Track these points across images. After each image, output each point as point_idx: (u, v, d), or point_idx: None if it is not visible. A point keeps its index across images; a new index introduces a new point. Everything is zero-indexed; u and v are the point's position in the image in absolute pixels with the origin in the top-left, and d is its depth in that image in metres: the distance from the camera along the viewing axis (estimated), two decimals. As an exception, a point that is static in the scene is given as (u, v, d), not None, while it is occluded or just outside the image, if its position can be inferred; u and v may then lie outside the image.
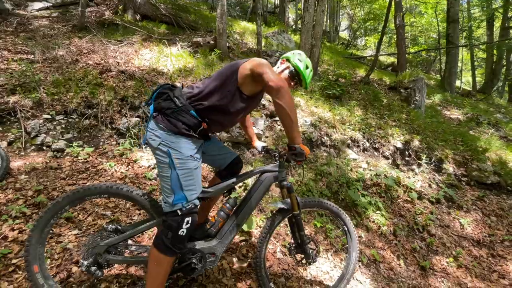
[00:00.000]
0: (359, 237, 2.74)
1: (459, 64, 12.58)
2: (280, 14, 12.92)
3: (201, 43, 5.25)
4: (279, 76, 1.30)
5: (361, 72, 7.32)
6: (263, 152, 1.88)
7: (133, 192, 1.46)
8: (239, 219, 1.58)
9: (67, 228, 1.94)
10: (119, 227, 1.48)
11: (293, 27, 12.37)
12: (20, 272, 1.60)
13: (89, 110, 3.01)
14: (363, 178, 3.28)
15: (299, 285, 2.01)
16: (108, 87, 3.31)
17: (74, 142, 2.69)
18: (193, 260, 1.46)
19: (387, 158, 3.87)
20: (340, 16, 17.52)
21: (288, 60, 1.57)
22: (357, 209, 2.92)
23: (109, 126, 2.99)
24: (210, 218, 1.74)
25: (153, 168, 2.62)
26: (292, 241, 1.78)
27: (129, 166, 2.59)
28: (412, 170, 3.74)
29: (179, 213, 1.30)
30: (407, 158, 3.89)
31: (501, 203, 3.64)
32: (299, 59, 1.56)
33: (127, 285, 1.67)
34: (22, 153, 2.56)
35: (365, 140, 3.88)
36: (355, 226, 2.79)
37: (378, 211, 2.96)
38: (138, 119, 3.12)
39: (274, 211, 1.76)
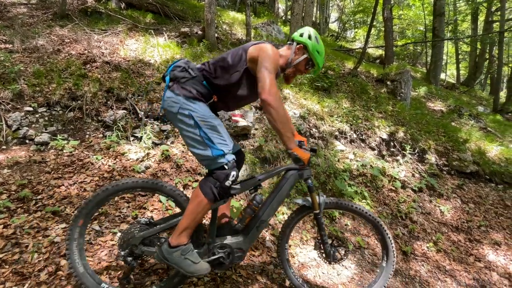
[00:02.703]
0: (345, 225, 2.84)
1: (444, 57, 12.88)
2: (270, 4, 12.75)
3: (189, 34, 5.15)
4: (270, 83, 1.34)
5: (349, 65, 7.39)
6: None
7: (166, 186, 1.57)
8: (265, 215, 1.61)
9: (54, 222, 1.92)
10: (152, 220, 1.57)
11: (283, 18, 12.26)
12: (7, 267, 1.58)
13: (73, 102, 2.93)
14: (349, 169, 3.38)
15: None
16: (93, 78, 3.22)
17: (58, 135, 2.62)
18: (222, 255, 1.52)
19: (373, 149, 3.98)
20: (330, 8, 17.47)
21: (306, 48, 1.54)
22: (344, 199, 3.01)
23: (94, 118, 2.92)
24: (238, 214, 1.75)
25: (141, 161, 2.60)
26: (317, 239, 1.82)
27: (117, 159, 2.56)
28: (397, 160, 3.87)
29: (226, 167, 1.39)
30: (392, 149, 4.01)
31: (479, 191, 3.83)
32: (318, 50, 1.55)
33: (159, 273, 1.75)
34: (4, 147, 2.48)
35: (352, 132, 3.97)
36: (340, 215, 2.88)
37: (364, 200, 3.07)
38: (125, 111, 3.06)
39: (295, 208, 1.80)
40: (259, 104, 1.31)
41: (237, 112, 3.23)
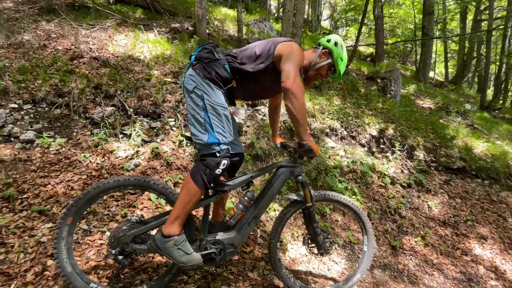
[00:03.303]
0: (335, 221, 2.88)
1: (433, 56, 13.10)
2: (262, 1, 12.69)
3: (180, 29, 5.08)
4: (294, 76, 1.40)
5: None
6: (280, 148, 1.97)
7: (158, 184, 1.58)
8: (256, 212, 1.65)
9: (40, 222, 1.87)
10: (143, 219, 1.57)
11: (275, 15, 12.22)
12: (-10, 267, 1.54)
13: (60, 99, 2.86)
14: (340, 165, 3.41)
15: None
16: (80, 75, 3.14)
17: (44, 133, 2.56)
18: (214, 251, 1.53)
19: (363, 146, 4.03)
20: (322, 5, 17.51)
21: (330, 53, 1.62)
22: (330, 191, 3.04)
23: (82, 115, 2.86)
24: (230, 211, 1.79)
25: (130, 159, 2.56)
26: (306, 231, 1.88)
27: (105, 157, 2.52)
28: (386, 157, 3.93)
29: (217, 155, 1.41)
30: (382, 146, 4.07)
31: (466, 186, 3.93)
32: (341, 57, 1.62)
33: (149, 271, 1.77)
34: (-13, 145, 2.40)
35: (343, 129, 4.00)
36: (331, 211, 2.92)
37: (354, 196, 3.11)
38: (114, 108, 3.01)
39: (288, 203, 1.85)
40: (282, 95, 1.37)
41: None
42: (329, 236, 1.91)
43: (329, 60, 1.62)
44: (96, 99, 3.02)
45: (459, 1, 12.38)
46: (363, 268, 1.96)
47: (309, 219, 1.80)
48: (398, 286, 2.37)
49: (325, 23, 18.73)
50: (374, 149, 4.02)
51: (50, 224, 1.87)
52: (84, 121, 2.83)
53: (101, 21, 4.79)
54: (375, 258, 2.63)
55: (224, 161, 1.41)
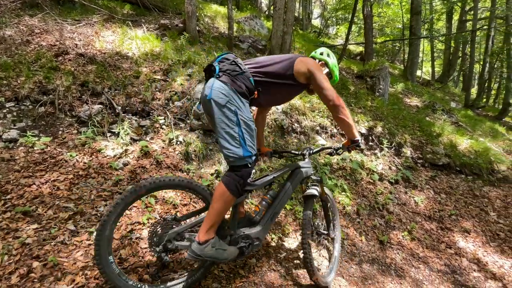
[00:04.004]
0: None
1: (420, 55, 13.40)
2: (253, -2, 12.62)
3: (169, 26, 5.00)
4: (334, 92, 1.62)
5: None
6: (275, 156, 2.16)
7: (192, 183, 1.67)
8: (277, 208, 1.84)
9: (25, 223, 1.82)
10: (177, 216, 1.66)
11: (266, 13, 12.19)
12: (-28, 271, 1.49)
13: (44, 97, 2.78)
14: (330, 163, 3.46)
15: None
16: (66, 72, 3.06)
17: (28, 132, 2.48)
18: (244, 245, 1.68)
19: (353, 143, 4.10)
20: (313, 4, 17.58)
21: (326, 64, 1.86)
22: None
23: (68, 113, 2.79)
24: (254, 207, 1.96)
25: (119, 158, 2.52)
26: (325, 223, 2.18)
27: (93, 156, 2.47)
28: (375, 154, 4.01)
29: (249, 165, 1.52)
30: (370, 143, 4.14)
31: (450, 182, 4.06)
32: (333, 64, 1.87)
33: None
34: (-33, 144, 2.31)
35: (332, 127, 4.05)
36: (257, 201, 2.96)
37: (343, 193, 3.16)
38: (101, 106, 2.95)
39: (307, 197, 2.02)
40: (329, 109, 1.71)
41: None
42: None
43: (327, 70, 1.85)
44: (83, 96, 2.95)
45: (445, 2, 12.68)
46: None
47: (324, 210, 2.10)
48: (386, 280, 2.44)
49: (316, 22, 18.83)
50: (363, 147, 4.09)
51: (36, 225, 1.82)
52: (70, 120, 2.76)
53: (87, 16, 4.66)
54: (364, 253, 2.69)
55: (253, 170, 1.59)
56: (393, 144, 4.17)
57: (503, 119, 9.58)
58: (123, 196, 1.47)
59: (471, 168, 4.25)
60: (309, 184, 2.03)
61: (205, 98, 1.51)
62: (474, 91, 12.43)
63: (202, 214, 1.71)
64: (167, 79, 3.56)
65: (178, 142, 2.86)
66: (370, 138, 4.21)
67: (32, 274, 1.56)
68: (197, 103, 1.70)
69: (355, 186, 3.40)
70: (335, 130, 4.07)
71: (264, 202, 1.83)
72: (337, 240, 2.30)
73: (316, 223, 2.15)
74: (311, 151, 2.05)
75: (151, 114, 3.07)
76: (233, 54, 1.66)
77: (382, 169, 3.78)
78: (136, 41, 4.22)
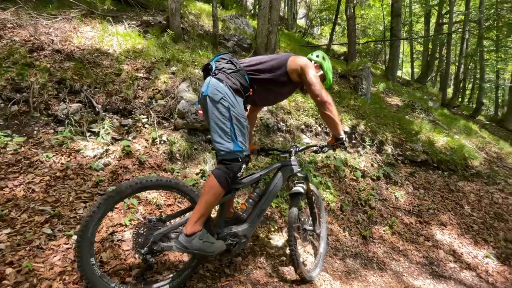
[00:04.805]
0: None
1: (401, 56, 13.88)
2: (238, -3, 12.54)
3: (152, 23, 4.89)
4: (323, 89, 1.67)
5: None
6: (261, 154, 2.20)
7: (179, 183, 1.66)
8: (264, 205, 1.87)
9: (-4, 227, 1.72)
10: (161, 217, 1.64)
11: (252, 11, 12.17)
12: None
13: (18, 94, 2.63)
14: (315, 160, 3.52)
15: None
16: (41, 68, 2.91)
17: (0, 131, 2.34)
18: (231, 242, 1.70)
19: (337, 141, 4.18)
20: (298, 4, 17.74)
21: (321, 67, 1.94)
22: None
23: (44, 112, 2.66)
24: (241, 205, 1.98)
25: (99, 158, 2.43)
26: (309, 219, 2.24)
27: (71, 157, 2.37)
28: (358, 151, 4.12)
29: (240, 160, 1.55)
30: (353, 141, 4.25)
31: (428, 177, 4.25)
32: (328, 67, 1.95)
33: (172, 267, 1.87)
34: None
35: (317, 125, 4.12)
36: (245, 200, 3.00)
37: (327, 190, 3.23)
38: (80, 104, 2.83)
39: (293, 194, 2.06)
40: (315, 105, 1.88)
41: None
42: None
43: (321, 72, 1.94)
44: (60, 94, 2.82)
45: (423, 5, 13.20)
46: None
47: (310, 205, 2.15)
48: (368, 273, 2.51)
49: (301, 22, 19.01)
50: (347, 145, 4.18)
51: (9, 230, 1.73)
52: (46, 119, 2.64)
53: (64, 11, 4.46)
54: (347, 248, 2.77)
55: (244, 165, 1.60)
56: (375, 142, 4.30)
57: (477, 118, 10.11)
58: (106, 196, 1.44)
59: (447, 164, 4.46)
60: (295, 181, 2.07)
61: (202, 95, 1.58)
62: (450, 91, 13.03)
63: (187, 214, 1.70)
64: (150, 77, 3.47)
65: (162, 142, 2.80)
66: (353, 136, 4.31)
67: (5, 281, 1.48)
68: (196, 102, 1.79)
69: (339, 183, 3.48)
70: (319, 129, 4.14)
71: (251, 200, 1.86)
72: (323, 238, 2.35)
73: (302, 220, 2.19)
74: (297, 149, 2.09)
75: (133, 113, 2.98)
76: (230, 54, 1.73)
77: (365, 166, 3.89)
78: (117, 37, 4.09)
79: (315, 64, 1.91)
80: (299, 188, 2.00)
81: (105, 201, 1.43)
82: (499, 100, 16.04)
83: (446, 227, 3.50)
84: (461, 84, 12.84)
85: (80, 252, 1.37)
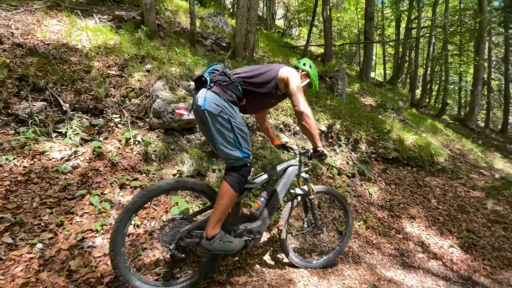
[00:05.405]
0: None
1: (374, 58, 14.51)
2: (217, -5, 12.38)
3: (125, 18, 4.68)
4: (303, 100, 1.75)
5: (293, 61, 7.72)
6: (282, 149, 2.41)
7: (198, 183, 1.78)
8: (274, 203, 2.03)
9: None
10: (185, 216, 1.77)
11: (231, 10, 12.08)
12: None
13: (-28, 92, 2.40)
14: (293, 159, 3.57)
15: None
16: (-1, 64, 2.68)
17: (-50, 132, 2.13)
18: (247, 238, 1.85)
19: (314, 140, 4.28)
20: (276, 5, 17.91)
21: (308, 75, 2.03)
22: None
23: (3, 111, 2.45)
24: (254, 204, 2.07)
25: (67, 160, 2.29)
26: (304, 219, 2.36)
27: (35, 159, 2.20)
28: (334, 150, 4.24)
29: (248, 164, 1.69)
30: (330, 140, 4.38)
31: (399, 173, 4.48)
32: (315, 74, 2.04)
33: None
34: None
35: (295, 125, 4.19)
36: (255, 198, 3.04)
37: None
38: (45, 103, 2.64)
39: (293, 196, 2.23)
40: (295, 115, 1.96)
41: (181, 104, 3.09)
42: (323, 220, 2.37)
43: (308, 80, 2.03)
44: (21, 92, 2.61)
45: (394, 10, 13.90)
46: (346, 240, 2.57)
47: (311, 207, 2.26)
48: (344, 267, 2.60)
49: (280, 22, 19.22)
50: (323, 143, 4.30)
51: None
52: (5, 118, 2.43)
53: (26, 2, 4.14)
54: (325, 244, 2.84)
55: (252, 168, 1.76)
56: (350, 141, 4.45)
57: (442, 117, 10.85)
58: (142, 193, 1.57)
59: (415, 160, 4.73)
60: (299, 181, 2.21)
61: (198, 108, 1.63)
62: (418, 92, 13.85)
63: (209, 211, 1.84)
64: (123, 75, 3.33)
65: (136, 142, 2.69)
66: (330, 135, 4.44)
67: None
68: (189, 109, 1.92)
69: (317, 180, 3.56)
70: (297, 128, 4.21)
71: (262, 199, 1.99)
72: (345, 236, 2.59)
73: (306, 219, 2.35)
74: (301, 151, 2.22)
75: (104, 112, 2.84)
76: (222, 64, 1.78)
77: (341, 164, 4.02)
78: (86, 32, 3.86)
79: (303, 73, 2.01)
80: (298, 190, 2.18)
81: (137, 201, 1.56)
82: (462, 101, 17.34)
83: (415, 220, 3.71)
84: (428, 86, 13.71)
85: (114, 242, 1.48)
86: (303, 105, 1.74)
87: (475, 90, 10.36)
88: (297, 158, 2.19)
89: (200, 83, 1.69)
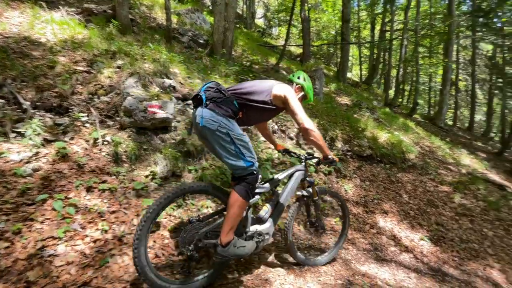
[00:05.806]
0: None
1: (351, 59, 14.98)
2: (195, -9, 12.14)
3: (95, 11, 4.45)
4: (305, 117, 1.84)
5: (272, 60, 7.77)
6: (285, 154, 2.54)
7: (210, 187, 1.91)
8: (282, 206, 2.16)
9: None
10: (200, 218, 1.84)
11: (210, 7, 11.90)
12: None
13: None
14: (271, 158, 3.58)
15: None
16: None
17: None
18: (258, 239, 1.95)
19: (292, 139, 4.32)
20: (256, 4, 17.90)
21: (302, 88, 2.13)
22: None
23: (-49, 109, 2.22)
24: (263, 207, 2.18)
25: (27, 162, 2.12)
26: (308, 219, 2.53)
27: (-11, 162, 2.02)
28: (311, 148, 4.30)
29: (255, 172, 1.77)
30: (308, 139, 4.44)
31: (373, 170, 4.65)
32: (309, 87, 2.15)
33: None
34: None
35: (274, 124, 4.20)
36: (263, 201, 3.04)
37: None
38: (3, 100, 2.43)
39: (298, 197, 2.34)
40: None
41: (154, 102, 2.97)
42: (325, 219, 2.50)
43: (303, 93, 2.13)
44: (-27, 89, 2.39)
45: (369, 13, 14.41)
46: (344, 236, 2.76)
47: (315, 208, 2.45)
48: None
49: (260, 21, 19.24)
50: (301, 142, 4.35)
51: None
52: (-46, 117, 2.21)
53: (-19, -10, 3.79)
54: (301, 241, 2.88)
55: (259, 176, 1.82)
56: (326, 139, 4.55)
57: (413, 116, 11.42)
58: (167, 194, 1.67)
59: (388, 157, 4.94)
60: (304, 184, 2.33)
61: (197, 125, 1.72)
62: (392, 92, 14.48)
63: (224, 213, 1.88)
64: (92, 71, 3.15)
65: (105, 142, 2.56)
66: (308, 133, 4.50)
67: None
68: (189, 127, 2.00)
69: (294, 179, 3.59)
70: (276, 127, 4.23)
71: (271, 202, 2.13)
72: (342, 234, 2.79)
73: (310, 220, 2.52)
74: (307, 157, 2.36)
75: (70, 110, 2.67)
76: (215, 82, 1.86)
77: (318, 162, 4.09)
78: (52, 25, 3.62)
79: (297, 86, 2.12)
80: (302, 191, 2.31)
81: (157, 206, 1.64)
82: (432, 100, 18.39)
83: (388, 214, 3.86)
84: (401, 86, 14.36)
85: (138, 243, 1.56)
86: (307, 122, 1.83)
87: (444, 90, 11.02)
88: (303, 163, 2.34)
89: (197, 101, 1.77)
